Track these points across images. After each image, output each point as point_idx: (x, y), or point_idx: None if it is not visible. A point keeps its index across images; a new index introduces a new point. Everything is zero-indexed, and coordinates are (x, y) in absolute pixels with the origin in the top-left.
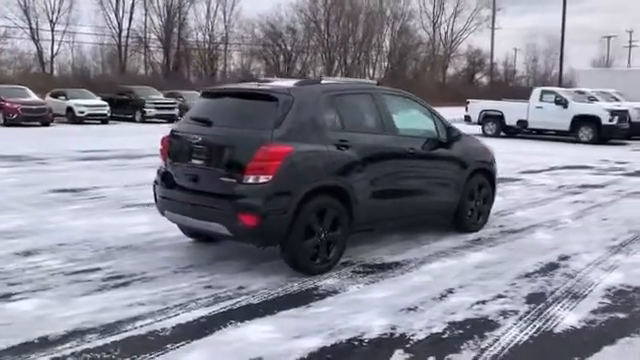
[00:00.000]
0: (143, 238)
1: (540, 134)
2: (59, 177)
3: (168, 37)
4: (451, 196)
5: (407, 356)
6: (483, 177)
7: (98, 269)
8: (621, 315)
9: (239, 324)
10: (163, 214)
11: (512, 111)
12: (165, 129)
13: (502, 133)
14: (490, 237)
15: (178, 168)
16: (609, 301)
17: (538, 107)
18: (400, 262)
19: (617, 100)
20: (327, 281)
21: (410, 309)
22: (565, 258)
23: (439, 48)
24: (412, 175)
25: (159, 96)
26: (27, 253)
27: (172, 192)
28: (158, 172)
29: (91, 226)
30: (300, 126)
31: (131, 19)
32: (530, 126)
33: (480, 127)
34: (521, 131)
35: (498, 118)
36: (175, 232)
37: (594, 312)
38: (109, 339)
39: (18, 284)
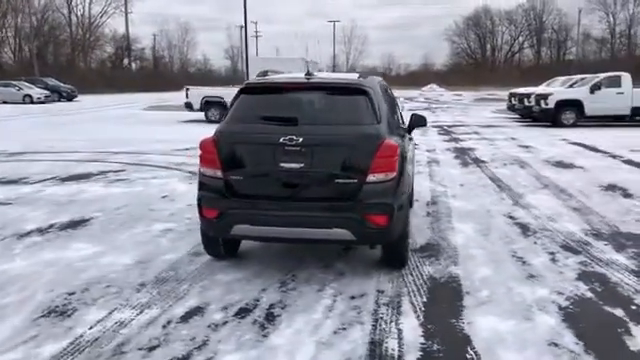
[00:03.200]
0: (154, 268)
1: None
2: None
3: None
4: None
5: (625, 311)
6: None
7: (205, 306)
8: None
9: (468, 321)
10: (228, 231)
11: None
12: None
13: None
14: (434, 210)
15: (258, 175)
16: (613, 241)
17: None
18: (430, 244)
19: None
20: (428, 269)
21: (533, 276)
22: (514, 217)
23: (79, 31)
24: (410, 160)
25: None
26: (60, 312)
27: (250, 203)
28: (204, 183)
29: (43, 266)
30: (387, 119)
31: None
32: None
33: (203, 114)
34: None
35: (221, 104)
36: (172, 254)
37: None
38: None
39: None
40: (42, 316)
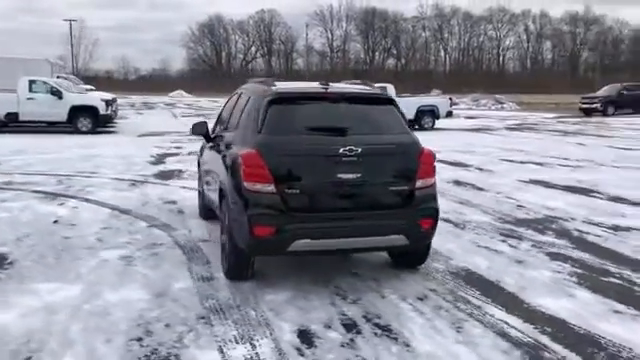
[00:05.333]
0: (185, 300)
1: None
2: None
3: None
4: None
5: (619, 279)
6: None
7: (306, 328)
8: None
9: (536, 304)
10: (285, 247)
11: None
12: None
13: None
14: None
15: (315, 187)
16: (527, 226)
17: (30, 98)
18: None
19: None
20: (437, 265)
21: (520, 262)
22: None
23: None
24: None
25: None
26: None
27: (310, 216)
28: (252, 199)
29: (43, 316)
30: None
31: None
32: (22, 118)
33: None
34: (8, 125)
35: None
36: (178, 282)
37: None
38: None
39: None
40: None
